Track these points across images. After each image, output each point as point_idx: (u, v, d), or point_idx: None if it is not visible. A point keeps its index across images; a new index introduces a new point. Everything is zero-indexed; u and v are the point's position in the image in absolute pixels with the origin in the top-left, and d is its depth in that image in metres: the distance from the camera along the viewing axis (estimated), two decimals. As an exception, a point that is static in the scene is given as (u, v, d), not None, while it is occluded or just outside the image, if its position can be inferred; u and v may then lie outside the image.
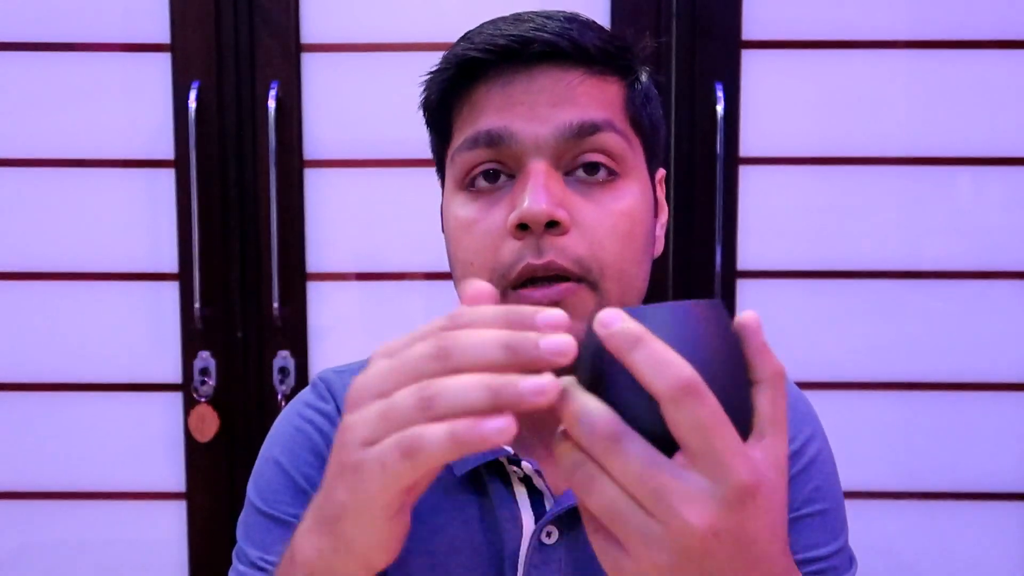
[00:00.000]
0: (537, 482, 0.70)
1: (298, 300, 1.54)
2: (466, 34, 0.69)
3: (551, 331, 0.42)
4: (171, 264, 1.54)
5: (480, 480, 0.71)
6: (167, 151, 1.53)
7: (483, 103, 0.66)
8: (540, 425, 0.72)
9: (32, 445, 1.56)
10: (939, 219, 1.52)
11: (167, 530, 1.57)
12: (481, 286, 0.46)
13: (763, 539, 0.42)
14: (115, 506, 1.57)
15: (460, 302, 0.46)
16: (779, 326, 1.47)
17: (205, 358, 1.54)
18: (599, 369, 0.43)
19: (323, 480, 0.49)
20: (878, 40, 1.50)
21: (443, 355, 0.42)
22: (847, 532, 0.77)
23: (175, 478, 1.57)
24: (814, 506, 0.74)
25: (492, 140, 0.65)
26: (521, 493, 0.70)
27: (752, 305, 1.49)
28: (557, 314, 0.43)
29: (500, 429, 0.41)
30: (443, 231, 0.71)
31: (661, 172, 0.74)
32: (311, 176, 1.54)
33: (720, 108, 1.47)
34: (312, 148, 1.53)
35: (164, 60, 1.51)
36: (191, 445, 1.55)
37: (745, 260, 1.53)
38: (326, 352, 1.55)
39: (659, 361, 0.40)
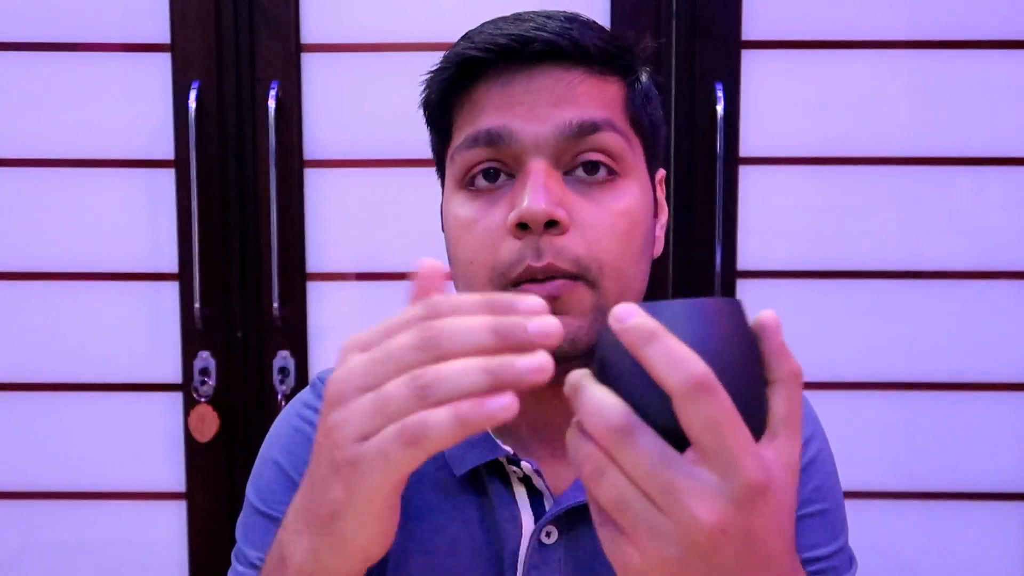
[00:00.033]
0: (536, 482, 0.70)
1: (298, 300, 1.54)
2: (467, 33, 0.69)
3: (530, 308, 0.43)
4: (171, 264, 1.54)
5: (480, 480, 0.71)
6: (167, 151, 1.53)
7: (483, 102, 0.66)
8: (540, 425, 0.72)
9: (32, 445, 1.56)
10: (939, 219, 1.52)
11: (167, 530, 1.57)
12: (432, 263, 0.47)
13: (771, 538, 0.42)
14: (115, 506, 1.57)
15: (413, 278, 0.46)
16: (779, 326, 1.46)
17: (205, 358, 1.54)
18: (613, 363, 0.43)
19: (307, 482, 0.49)
20: (878, 40, 1.50)
21: (431, 344, 0.43)
22: (847, 532, 0.77)
23: (175, 478, 1.57)
24: (814, 506, 0.74)
25: (492, 139, 0.65)
26: (521, 493, 0.70)
27: (752, 305, 1.48)
28: (537, 301, 0.43)
29: (505, 406, 0.42)
30: (443, 230, 0.71)
31: (661, 173, 0.74)
32: (311, 176, 1.54)
33: (720, 108, 1.47)
34: (312, 148, 1.53)
35: (164, 60, 1.51)
36: (191, 445, 1.55)
37: (745, 260, 1.53)
38: (326, 352, 1.55)
39: (673, 357, 0.40)
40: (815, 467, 0.76)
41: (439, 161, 0.73)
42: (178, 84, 1.51)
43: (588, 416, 0.42)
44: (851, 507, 0.79)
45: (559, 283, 0.63)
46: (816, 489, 0.74)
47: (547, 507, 0.70)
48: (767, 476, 0.41)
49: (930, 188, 1.52)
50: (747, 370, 0.44)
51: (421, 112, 0.73)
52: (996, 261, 1.52)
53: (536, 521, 0.69)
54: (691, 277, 1.52)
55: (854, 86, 1.50)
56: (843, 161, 1.51)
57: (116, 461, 1.56)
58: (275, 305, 1.51)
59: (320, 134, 1.53)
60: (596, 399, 0.42)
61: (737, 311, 0.44)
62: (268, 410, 1.55)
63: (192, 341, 1.54)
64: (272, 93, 1.49)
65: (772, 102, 1.51)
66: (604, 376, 0.44)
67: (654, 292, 0.77)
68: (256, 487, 0.75)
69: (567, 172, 0.66)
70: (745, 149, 1.51)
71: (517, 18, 0.67)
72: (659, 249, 0.73)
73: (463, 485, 0.71)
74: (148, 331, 1.55)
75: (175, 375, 1.55)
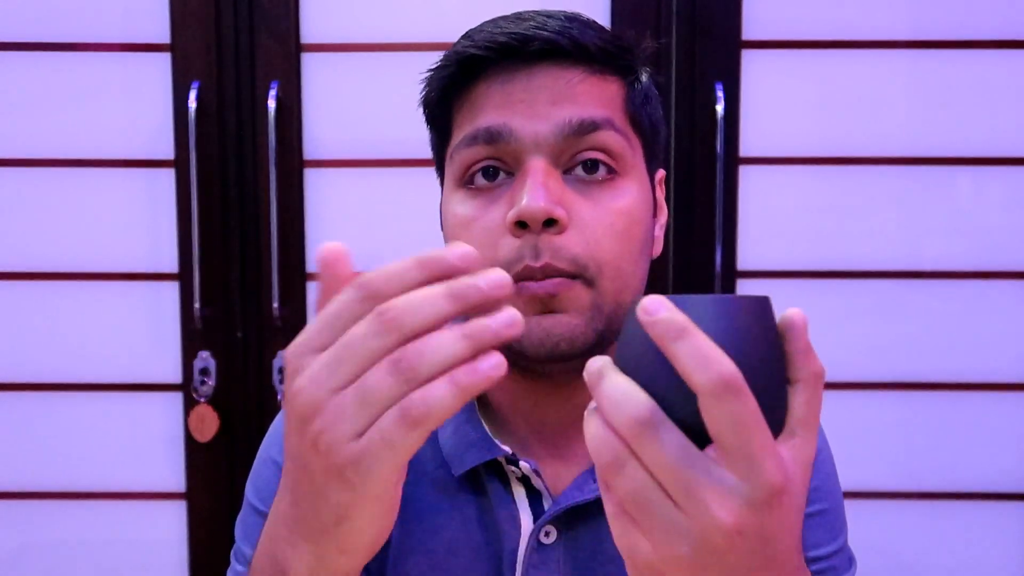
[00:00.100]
0: (535, 482, 0.70)
1: (298, 300, 1.54)
2: (467, 32, 0.69)
3: (466, 264, 0.43)
4: (171, 264, 1.54)
5: (479, 480, 0.71)
6: (167, 151, 1.53)
7: (483, 100, 0.66)
8: (539, 425, 0.72)
9: (32, 445, 1.56)
10: (939, 219, 1.52)
11: (167, 530, 1.57)
12: (332, 246, 0.46)
13: (782, 538, 0.42)
14: (115, 506, 1.57)
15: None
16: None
17: (205, 358, 1.54)
18: (637, 354, 0.43)
19: (293, 495, 0.47)
20: (878, 40, 1.50)
21: (392, 326, 0.42)
22: (847, 532, 0.77)
23: (175, 478, 1.57)
24: (814, 506, 0.74)
25: (491, 137, 0.65)
26: (519, 493, 0.70)
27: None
28: (465, 248, 0.43)
29: (496, 364, 0.42)
30: (442, 229, 0.71)
31: (661, 173, 0.74)
32: (311, 176, 1.54)
33: (720, 108, 1.47)
34: (312, 148, 1.53)
35: (164, 60, 1.51)
36: (191, 445, 1.55)
37: (745, 260, 1.53)
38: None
39: (702, 355, 0.40)
40: (815, 467, 0.75)
41: (439, 160, 0.73)
42: (178, 84, 1.51)
43: (611, 407, 0.42)
44: (851, 507, 0.79)
45: (556, 281, 0.63)
46: (816, 489, 0.74)
47: (546, 507, 0.70)
48: (785, 479, 0.41)
49: (930, 188, 1.52)
50: (771, 369, 0.43)
51: (421, 111, 0.73)
52: (996, 261, 1.52)
53: (535, 521, 0.69)
54: (691, 277, 1.52)
55: (854, 86, 1.50)
56: (843, 161, 1.51)
57: (116, 461, 1.56)
58: (275, 305, 1.51)
59: (320, 134, 1.53)
60: (621, 390, 0.42)
61: (766, 309, 0.44)
62: (268, 410, 1.55)
63: (192, 341, 1.54)
64: (272, 93, 1.49)
65: (772, 102, 1.51)
66: (626, 366, 0.43)
67: (654, 292, 0.77)
68: (255, 487, 0.75)
69: (566, 171, 0.66)
70: (745, 149, 1.51)
71: (517, 17, 0.67)
72: (658, 249, 0.73)
73: (462, 485, 0.71)
74: (148, 331, 1.55)
75: (175, 375, 1.55)
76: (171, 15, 1.50)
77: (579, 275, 0.63)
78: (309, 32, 1.52)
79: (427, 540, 0.71)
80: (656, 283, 1.49)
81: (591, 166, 0.65)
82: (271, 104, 1.49)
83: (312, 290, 1.54)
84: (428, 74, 0.70)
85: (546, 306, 0.64)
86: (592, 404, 0.44)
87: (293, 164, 1.52)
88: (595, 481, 0.69)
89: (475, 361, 0.42)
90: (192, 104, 1.48)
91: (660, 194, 0.74)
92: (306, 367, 0.44)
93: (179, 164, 1.52)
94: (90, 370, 1.56)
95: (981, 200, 1.52)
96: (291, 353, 0.45)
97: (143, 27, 1.51)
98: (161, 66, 1.51)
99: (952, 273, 1.52)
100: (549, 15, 0.66)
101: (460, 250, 0.43)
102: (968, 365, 1.53)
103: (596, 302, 0.64)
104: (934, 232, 1.52)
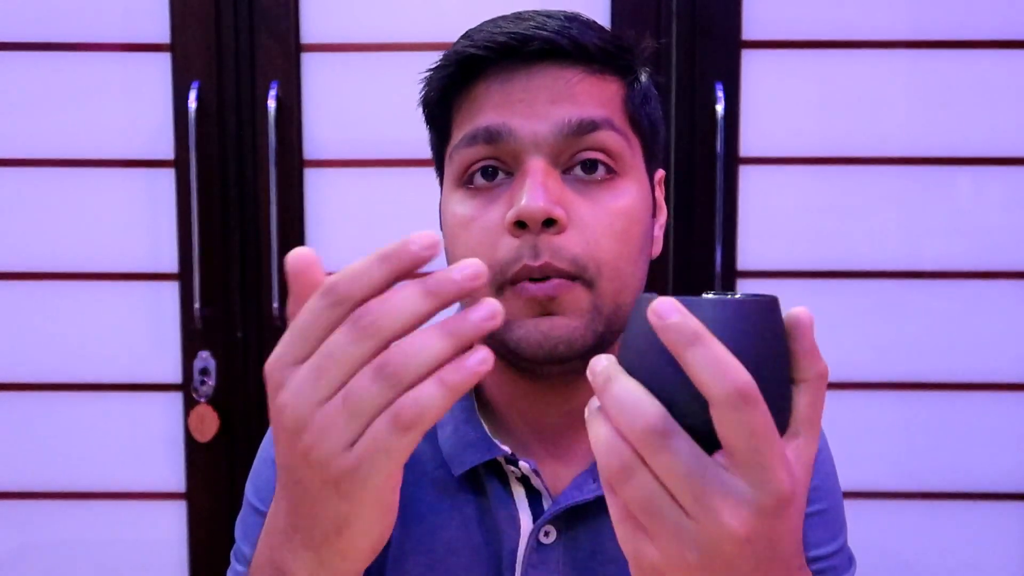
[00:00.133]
0: (535, 482, 0.70)
1: (298, 300, 1.54)
2: (467, 32, 0.69)
3: (430, 252, 0.42)
4: (171, 264, 1.54)
5: (478, 480, 0.71)
6: (167, 151, 1.53)
7: (482, 100, 0.66)
8: (538, 426, 0.72)
9: (32, 445, 1.56)
10: (939, 219, 1.52)
11: (167, 530, 1.57)
12: (300, 253, 0.45)
13: (788, 541, 0.42)
14: (115, 506, 1.57)
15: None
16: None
17: (205, 358, 1.54)
18: (645, 355, 0.42)
19: (290, 505, 0.47)
20: (878, 40, 1.50)
21: (371, 331, 0.41)
22: (846, 532, 0.77)
23: (175, 478, 1.57)
24: (814, 506, 0.74)
25: (491, 137, 0.65)
26: (519, 493, 0.70)
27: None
28: (428, 236, 0.42)
29: (483, 358, 0.41)
30: (441, 229, 0.71)
31: (660, 173, 0.74)
32: (311, 176, 1.54)
33: (720, 108, 1.47)
34: (312, 148, 1.53)
35: (164, 60, 1.51)
36: (191, 445, 1.55)
37: (745, 260, 1.53)
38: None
39: (718, 364, 0.39)
40: (815, 467, 0.75)
41: (438, 159, 0.73)
42: (178, 84, 1.51)
43: (621, 413, 0.41)
44: (851, 507, 0.79)
45: (556, 283, 0.63)
46: (816, 489, 0.74)
47: (545, 507, 0.70)
48: (794, 485, 0.41)
49: (930, 188, 1.52)
50: (778, 370, 0.43)
51: (420, 111, 0.73)
52: (996, 261, 1.52)
53: (534, 521, 0.69)
54: (691, 277, 1.52)
55: (854, 86, 1.50)
56: (843, 161, 1.51)
57: (116, 461, 1.56)
58: (275, 305, 1.51)
59: (320, 134, 1.53)
60: (632, 397, 0.41)
61: (775, 311, 0.43)
62: (268, 410, 1.54)
63: (192, 341, 1.54)
64: (272, 93, 1.49)
65: (772, 102, 1.51)
66: (632, 366, 0.42)
67: (654, 291, 0.77)
68: (255, 486, 0.75)
69: (565, 171, 0.66)
70: (745, 149, 1.51)
71: (517, 17, 0.67)
72: (657, 250, 0.73)
73: (461, 485, 0.71)
74: (148, 331, 1.55)
75: (175, 375, 1.55)
76: (171, 15, 1.50)
77: (579, 276, 0.63)
78: (309, 32, 1.52)
79: (427, 540, 0.71)
80: (656, 283, 1.49)
81: (590, 166, 0.65)
82: (271, 104, 1.49)
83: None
84: (427, 74, 0.70)
85: (545, 308, 0.64)
86: (593, 404, 0.43)
87: (293, 164, 1.52)
88: (595, 481, 0.69)
89: (461, 358, 0.41)
90: (192, 104, 1.48)
91: (659, 194, 0.74)
92: (287, 380, 0.43)
93: (179, 164, 1.52)
94: (90, 370, 1.56)
95: (981, 200, 1.52)
96: (270, 367, 0.44)
97: (143, 27, 1.51)
98: (161, 66, 1.51)
99: (952, 273, 1.52)
100: (549, 15, 0.66)
101: (422, 239, 0.42)
102: (968, 365, 1.53)
103: (596, 304, 0.64)
104: (934, 232, 1.52)
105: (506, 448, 0.69)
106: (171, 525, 1.57)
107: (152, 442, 1.56)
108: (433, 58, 0.70)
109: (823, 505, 0.75)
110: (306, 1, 1.51)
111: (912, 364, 1.53)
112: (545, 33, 0.64)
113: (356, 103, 1.52)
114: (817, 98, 1.51)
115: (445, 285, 0.41)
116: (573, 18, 0.67)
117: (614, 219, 0.65)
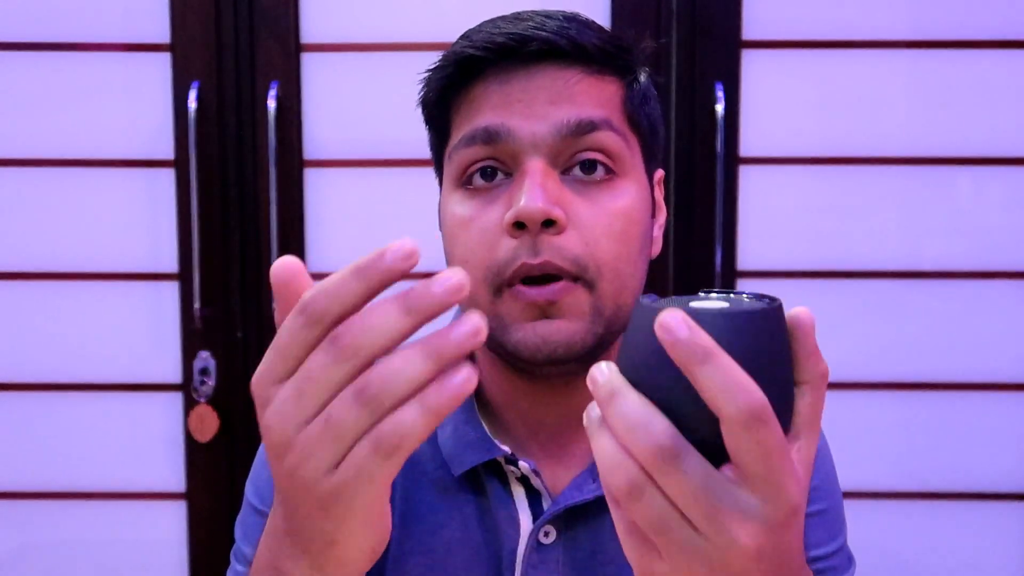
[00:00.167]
0: (535, 482, 0.70)
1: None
2: (466, 32, 0.69)
3: (404, 263, 0.39)
4: (171, 264, 1.54)
5: (478, 480, 0.71)
6: (167, 151, 1.53)
7: (481, 101, 0.66)
8: (538, 426, 0.72)
9: (32, 445, 1.56)
10: (939, 219, 1.52)
11: (167, 530, 1.57)
12: (285, 265, 0.43)
13: (793, 548, 0.42)
14: (115, 506, 1.57)
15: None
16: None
17: (205, 358, 1.54)
18: (650, 367, 0.41)
19: (287, 513, 0.47)
20: (878, 40, 1.50)
21: (349, 352, 0.40)
22: (846, 532, 0.77)
23: (175, 478, 1.57)
24: (814, 506, 0.74)
25: (490, 137, 0.65)
26: (519, 493, 0.70)
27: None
28: (404, 245, 0.40)
29: (467, 378, 0.40)
30: (440, 229, 0.71)
31: (660, 173, 0.74)
32: (311, 176, 1.54)
33: (720, 108, 1.47)
34: (312, 148, 1.53)
35: (164, 60, 1.51)
36: (191, 445, 1.55)
37: (745, 260, 1.53)
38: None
39: (730, 383, 0.38)
40: (815, 467, 0.75)
41: (437, 160, 0.73)
42: (178, 84, 1.51)
43: (629, 432, 0.40)
44: (851, 507, 0.79)
45: (557, 288, 0.63)
46: (816, 489, 0.74)
47: (545, 507, 0.70)
48: (802, 494, 0.41)
49: (930, 188, 1.51)
50: (782, 376, 0.42)
51: (420, 111, 0.73)
52: (996, 261, 1.52)
53: (534, 521, 0.69)
54: (691, 277, 1.52)
55: (854, 86, 1.50)
56: (843, 161, 1.51)
57: (116, 461, 1.56)
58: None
59: (320, 134, 1.53)
60: (639, 414, 0.40)
61: (780, 318, 0.42)
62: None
63: (192, 341, 1.54)
64: (272, 93, 1.49)
65: (772, 102, 1.51)
66: (636, 376, 0.41)
67: (654, 292, 0.77)
68: (255, 486, 0.75)
69: (564, 171, 0.65)
70: (745, 149, 1.51)
71: (516, 17, 0.67)
72: (657, 250, 0.73)
73: (461, 485, 0.71)
74: (148, 331, 1.55)
75: (175, 375, 1.55)
76: (171, 15, 1.50)
77: (580, 276, 0.63)
78: (309, 32, 1.52)
79: (427, 540, 0.71)
80: (656, 283, 1.49)
81: (589, 166, 0.65)
82: (271, 104, 1.49)
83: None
84: (426, 74, 0.70)
85: (544, 311, 0.64)
86: (593, 412, 0.42)
87: (293, 164, 1.52)
88: (594, 481, 0.69)
89: (442, 378, 0.39)
90: (192, 104, 1.48)
91: (659, 194, 0.74)
92: (272, 398, 0.42)
93: (179, 164, 1.52)
94: (90, 370, 1.56)
95: (981, 200, 1.51)
96: (255, 384, 0.43)
97: (143, 27, 1.51)
98: (161, 66, 1.51)
99: (952, 273, 1.52)
100: (548, 15, 0.66)
101: (398, 250, 0.39)
102: (968, 365, 1.53)
103: (596, 306, 0.64)
104: (934, 232, 1.52)
105: (506, 448, 0.69)
106: (171, 525, 1.57)
107: (152, 442, 1.56)
108: (433, 58, 0.70)
109: (823, 505, 0.75)
110: (306, 1, 1.51)
111: (912, 364, 1.53)
112: (544, 34, 0.64)
113: (356, 103, 1.52)
114: (817, 98, 1.51)
115: (425, 301, 0.39)
116: (572, 18, 0.67)
117: (613, 219, 0.65)
